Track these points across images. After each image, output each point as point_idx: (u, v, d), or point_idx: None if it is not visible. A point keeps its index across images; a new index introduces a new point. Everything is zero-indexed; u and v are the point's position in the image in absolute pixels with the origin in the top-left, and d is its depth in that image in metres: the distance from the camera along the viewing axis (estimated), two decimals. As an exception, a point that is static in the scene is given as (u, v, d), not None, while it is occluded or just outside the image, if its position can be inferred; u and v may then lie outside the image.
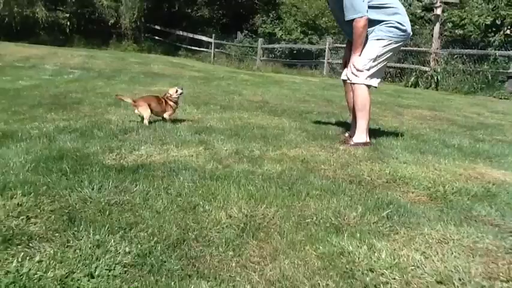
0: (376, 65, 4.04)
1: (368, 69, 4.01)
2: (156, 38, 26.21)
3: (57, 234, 1.93)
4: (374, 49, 3.99)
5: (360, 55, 4.00)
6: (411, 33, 4.18)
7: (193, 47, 24.33)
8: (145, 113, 4.35)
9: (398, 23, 3.98)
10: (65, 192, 2.39)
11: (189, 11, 27.22)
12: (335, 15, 4.44)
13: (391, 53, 4.12)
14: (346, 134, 4.42)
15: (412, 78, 13.44)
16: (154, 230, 2.00)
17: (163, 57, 20.00)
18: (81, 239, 1.89)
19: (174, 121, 4.53)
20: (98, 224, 2.03)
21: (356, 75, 4.03)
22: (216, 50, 22.73)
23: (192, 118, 4.86)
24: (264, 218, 2.20)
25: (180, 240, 1.94)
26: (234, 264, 1.77)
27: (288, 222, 2.16)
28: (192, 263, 1.77)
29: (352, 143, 4.02)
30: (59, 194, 2.38)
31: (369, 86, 4.08)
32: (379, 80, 4.20)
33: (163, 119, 4.51)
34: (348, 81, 4.16)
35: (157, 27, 26.00)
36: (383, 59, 4.07)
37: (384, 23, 3.97)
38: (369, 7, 3.87)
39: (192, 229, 2.04)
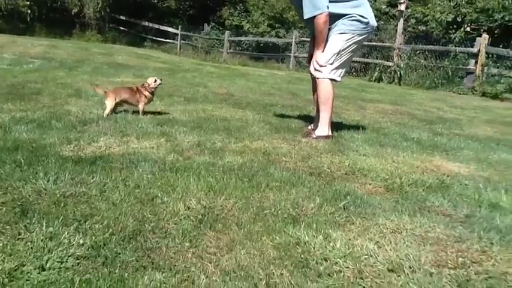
0: (340, 58, 4.07)
1: (331, 64, 4.05)
2: (121, 28, 25.67)
3: (8, 227, 1.87)
4: (337, 43, 4.02)
5: (322, 51, 4.03)
6: (375, 25, 4.20)
7: (159, 38, 23.98)
8: (109, 103, 4.30)
9: (360, 16, 4.00)
10: (19, 184, 2.33)
11: (156, 1, 26.77)
12: (297, 12, 4.45)
13: (355, 46, 4.14)
14: (309, 127, 4.46)
15: (376, 73, 13.69)
16: (110, 221, 1.97)
17: (128, 48, 19.62)
18: (33, 232, 1.84)
19: (136, 112, 4.46)
20: (52, 216, 1.99)
21: (319, 71, 4.06)
22: (183, 41, 22.50)
23: (155, 110, 4.80)
24: (222, 210, 2.20)
25: (136, 231, 1.92)
26: (190, 255, 1.77)
27: (246, 213, 2.17)
28: (148, 255, 1.75)
29: (314, 136, 4.06)
30: (12, 185, 2.31)
31: (332, 80, 4.12)
32: (343, 72, 4.23)
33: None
34: (312, 76, 4.19)
35: (123, 17, 25.45)
36: (346, 52, 4.10)
37: (346, 16, 3.99)
38: (330, 1, 3.89)
39: (149, 221, 2.03)
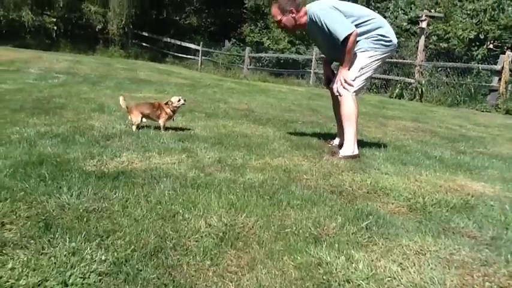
0: (362, 76, 4.09)
1: (354, 81, 4.05)
2: (144, 44, 26.16)
3: (32, 241, 1.90)
4: (360, 61, 4.04)
5: (348, 69, 4.04)
6: (396, 43, 4.23)
7: (180, 54, 24.32)
8: (135, 119, 4.40)
9: (381, 35, 4.05)
10: (43, 199, 2.36)
11: (178, 18, 27.29)
12: (318, 43, 4.58)
13: (377, 64, 4.16)
14: (332, 143, 4.46)
15: (397, 90, 13.61)
16: (132, 238, 1.98)
17: (150, 63, 19.94)
18: (56, 246, 1.86)
19: (158, 128, 4.51)
20: (75, 231, 2.01)
21: (346, 89, 4.05)
22: (204, 57, 22.75)
23: (177, 125, 4.84)
24: (243, 228, 2.19)
25: (157, 248, 1.92)
26: (211, 274, 1.76)
27: (267, 231, 2.16)
28: (169, 272, 1.75)
29: (340, 156, 3.99)
30: (37, 200, 2.34)
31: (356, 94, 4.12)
32: (364, 88, 4.25)
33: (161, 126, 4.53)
34: (337, 93, 4.16)
35: (145, 33, 25.96)
36: (369, 69, 4.11)
37: (367, 36, 4.04)
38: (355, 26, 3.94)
39: (171, 238, 2.03)
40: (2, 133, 3.88)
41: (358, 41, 4.01)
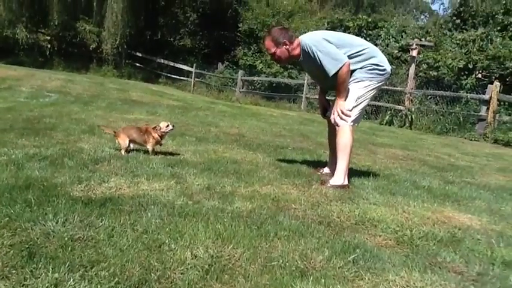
0: (359, 106, 4.12)
1: (351, 111, 4.07)
2: (137, 64, 26.31)
3: (14, 271, 1.86)
4: (355, 91, 4.07)
5: (344, 100, 4.06)
6: (390, 71, 4.27)
7: (173, 75, 24.47)
8: (123, 143, 4.40)
9: (375, 64, 4.10)
10: (28, 225, 2.33)
11: (172, 39, 27.48)
12: (312, 74, 4.65)
13: (372, 93, 4.21)
14: (322, 171, 4.49)
15: (387, 117, 13.76)
16: (116, 269, 1.95)
17: (142, 84, 20.00)
18: (38, 277, 1.83)
19: (148, 152, 4.50)
20: (59, 260, 1.98)
21: (344, 120, 4.06)
22: (196, 79, 22.90)
23: (167, 150, 4.84)
24: (230, 259, 2.17)
25: (142, 281, 1.89)
26: (195, 309, 1.74)
27: (253, 264, 2.14)
28: (152, 306, 1.73)
29: (329, 185, 3.99)
30: (21, 227, 2.31)
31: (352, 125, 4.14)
32: (360, 119, 4.31)
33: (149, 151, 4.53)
34: (334, 124, 4.16)
35: (139, 54, 26.11)
36: (365, 99, 4.16)
37: (361, 66, 4.08)
38: (348, 57, 3.99)
39: (156, 269, 2.00)
40: (-11, 154, 3.84)
41: (353, 71, 4.05)
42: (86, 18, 25.15)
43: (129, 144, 4.43)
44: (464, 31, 16.96)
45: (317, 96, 14.47)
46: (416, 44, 14.35)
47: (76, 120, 6.42)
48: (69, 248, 2.12)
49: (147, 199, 3.00)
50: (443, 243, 2.80)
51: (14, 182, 3.07)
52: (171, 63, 24.82)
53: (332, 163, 4.42)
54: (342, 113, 4.05)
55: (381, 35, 18.47)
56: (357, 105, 4.11)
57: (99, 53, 25.13)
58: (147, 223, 2.54)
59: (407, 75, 14.42)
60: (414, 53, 14.10)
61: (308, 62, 4.15)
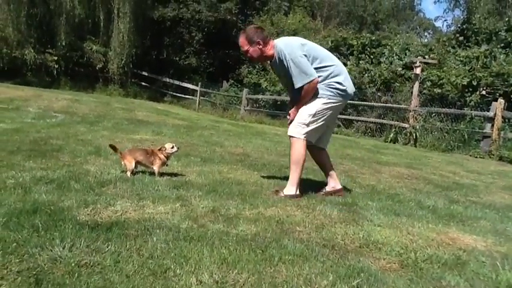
0: (315, 121, 4.25)
1: (307, 125, 4.22)
2: (143, 83, 26.56)
3: (22, 299, 1.89)
4: (314, 105, 4.22)
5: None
6: (352, 93, 4.43)
7: (179, 94, 24.68)
8: (129, 165, 4.45)
9: (338, 83, 4.24)
10: (35, 251, 2.36)
11: (177, 58, 27.76)
12: (281, 80, 4.75)
13: (330, 112, 4.31)
14: (324, 190, 4.65)
15: (392, 134, 13.78)
16: (122, 296, 1.98)
17: (148, 103, 20.15)
18: (46, 305, 1.86)
19: (154, 173, 4.55)
20: (66, 287, 2.01)
21: (296, 129, 4.24)
22: (202, 97, 23.07)
23: (172, 171, 4.88)
24: (234, 285, 2.19)
25: (147, 308, 1.92)
26: (200, 336, 1.76)
27: (258, 290, 2.16)
28: (158, 334, 1.75)
29: (282, 195, 4.20)
30: (29, 252, 2.34)
31: (307, 141, 4.30)
32: (322, 138, 4.51)
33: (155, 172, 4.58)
34: (288, 135, 4.35)
35: (145, 73, 26.38)
36: (323, 115, 4.28)
37: (324, 83, 4.21)
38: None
39: (161, 295, 2.03)
40: (-3, 178, 3.89)
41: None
42: (92, 38, 25.52)
43: (135, 166, 4.48)
44: (468, 48, 17.05)
45: None
46: (420, 62, 14.43)
47: (82, 141, 6.49)
48: (76, 274, 2.15)
49: (152, 223, 3.02)
50: (447, 266, 2.80)
51: (22, 206, 3.10)
52: (177, 82, 25.05)
53: (329, 178, 4.68)
54: (297, 122, 4.26)
55: (384, 53, 18.59)
56: (314, 120, 4.24)
57: (105, 72, 25.42)
58: (152, 248, 2.56)
59: (411, 92, 14.46)
60: (418, 70, 14.17)
61: (279, 66, 4.26)
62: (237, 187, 4.39)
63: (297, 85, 4.12)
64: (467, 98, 14.25)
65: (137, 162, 4.50)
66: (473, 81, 14.34)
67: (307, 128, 4.24)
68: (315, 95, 4.20)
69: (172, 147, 4.61)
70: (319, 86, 4.18)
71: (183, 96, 24.36)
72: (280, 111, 19.40)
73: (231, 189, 4.26)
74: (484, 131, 12.07)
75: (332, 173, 4.71)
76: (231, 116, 18.97)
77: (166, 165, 4.67)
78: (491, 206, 4.86)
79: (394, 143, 13.57)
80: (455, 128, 12.85)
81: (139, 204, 3.49)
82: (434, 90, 15.20)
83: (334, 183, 4.66)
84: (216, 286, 2.16)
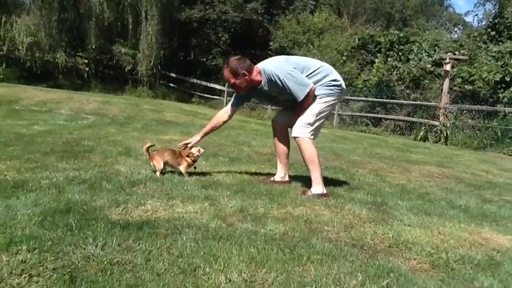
0: (318, 120, 4.37)
1: (312, 124, 4.33)
2: (171, 85, 26.86)
3: (57, 295, 1.95)
4: (316, 106, 4.34)
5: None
6: (345, 88, 4.62)
7: (206, 95, 24.85)
8: (158, 165, 4.53)
9: (333, 80, 4.40)
10: (69, 249, 2.43)
11: (204, 59, 27.95)
12: (271, 101, 4.98)
13: (330, 108, 4.51)
14: (273, 179, 4.79)
15: (422, 132, 13.56)
16: (153, 293, 2.01)
17: (176, 104, 20.37)
18: (80, 301, 1.91)
19: (181, 173, 4.61)
20: (99, 285, 2.06)
21: (301, 130, 4.33)
22: (229, 98, 23.12)
23: (200, 171, 4.93)
24: (263, 284, 2.20)
25: (178, 305, 1.95)
26: (230, 334, 1.78)
27: (286, 289, 2.17)
28: (188, 331, 1.77)
29: (311, 194, 4.23)
30: (63, 250, 2.41)
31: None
32: (318, 133, 4.57)
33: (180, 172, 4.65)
34: (294, 137, 4.43)
35: (173, 74, 26.69)
36: (325, 113, 4.46)
37: (321, 83, 4.35)
38: (306, 76, 4.33)
39: (191, 293, 2.06)
40: (33, 178, 4.01)
41: None
42: (121, 41, 25.99)
43: (164, 166, 4.54)
44: (500, 43, 16.60)
45: (349, 113, 14.55)
46: (450, 58, 14.14)
47: (113, 142, 6.62)
48: (108, 272, 2.19)
49: (182, 222, 3.06)
50: (480, 267, 2.74)
51: (56, 205, 3.19)
52: (204, 83, 25.24)
53: (281, 169, 4.82)
54: (302, 124, 4.36)
55: (413, 50, 18.29)
56: (317, 119, 4.37)
57: (134, 74, 25.84)
58: (182, 247, 2.60)
59: (442, 89, 14.19)
60: (448, 67, 13.89)
61: (270, 89, 4.38)
62: (264, 186, 4.41)
63: (300, 98, 4.26)
64: (500, 95, 13.90)
65: (165, 163, 4.56)
66: (506, 77, 13.98)
67: (312, 127, 4.35)
68: (314, 96, 4.33)
69: (199, 151, 4.70)
70: (318, 87, 4.33)
71: (210, 96, 24.54)
72: (307, 111, 19.32)
73: (259, 189, 4.27)
74: (519, 127, 11.76)
75: (287, 162, 4.87)
76: (258, 116, 19.00)
77: (195, 167, 4.73)
78: (526, 205, 4.73)
79: (424, 141, 13.34)
80: (488, 125, 12.55)
81: (169, 203, 3.54)
82: (465, 86, 14.88)
83: (285, 173, 4.86)
84: (244, 285, 2.17)
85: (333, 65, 17.71)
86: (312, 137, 4.36)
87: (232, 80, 4.37)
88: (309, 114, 4.33)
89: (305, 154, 4.37)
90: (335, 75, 4.45)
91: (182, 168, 4.61)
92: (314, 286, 2.21)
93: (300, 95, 4.25)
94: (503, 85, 14.12)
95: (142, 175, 4.48)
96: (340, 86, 4.45)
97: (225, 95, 22.94)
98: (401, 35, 19.87)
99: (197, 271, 2.29)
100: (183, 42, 28.39)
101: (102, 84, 24.67)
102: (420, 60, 17.52)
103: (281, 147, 4.88)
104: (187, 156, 4.62)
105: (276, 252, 2.61)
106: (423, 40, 18.78)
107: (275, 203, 3.78)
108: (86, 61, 25.18)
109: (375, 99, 16.72)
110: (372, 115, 16.05)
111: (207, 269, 2.32)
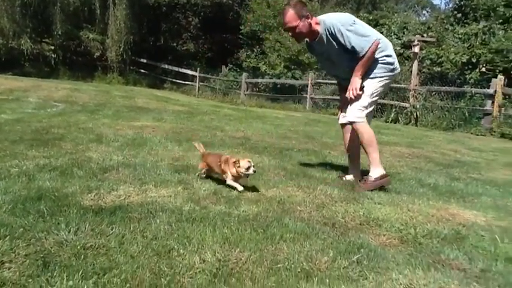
0: (373, 102, 4.19)
1: (366, 107, 4.12)
2: (142, 71, 26.44)
3: (30, 280, 1.94)
4: (370, 87, 4.09)
5: (361, 77, 4.05)
6: (399, 69, 4.32)
7: (178, 80, 24.59)
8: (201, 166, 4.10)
9: (388, 56, 4.10)
10: (41, 235, 2.41)
11: (175, 44, 27.59)
12: (327, 59, 4.36)
13: (383, 89, 4.24)
14: (345, 178, 4.44)
15: (392, 114, 13.78)
16: (128, 275, 2.02)
17: (148, 90, 20.13)
18: (54, 285, 1.91)
19: (155, 159, 4.58)
20: (73, 269, 2.05)
21: (356, 114, 4.10)
22: (201, 83, 23.01)
23: (173, 156, 4.91)
24: (237, 263, 2.24)
25: (152, 286, 1.97)
26: (204, 311, 1.81)
27: (260, 267, 2.21)
28: (164, 310, 1.80)
29: (372, 179, 4.06)
30: (35, 237, 2.39)
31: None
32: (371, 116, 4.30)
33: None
34: (349, 122, 4.20)
35: (143, 60, 26.25)
36: (377, 95, 4.21)
37: (378, 59, 4.07)
38: None
39: (165, 274, 2.07)
40: (1, 167, 3.93)
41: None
42: (89, 26, 25.35)
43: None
44: (466, 25, 16.94)
45: (322, 96, 14.43)
46: (418, 40, 14.35)
47: (84, 130, 6.52)
48: (82, 256, 2.19)
49: (155, 206, 3.07)
50: (447, 240, 2.84)
51: (27, 193, 3.15)
52: (176, 69, 24.94)
53: (353, 168, 4.51)
54: (359, 106, 4.08)
55: (382, 32, 18.36)
56: (372, 101, 4.16)
57: (103, 60, 25.32)
58: (156, 230, 2.61)
59: (411, 71, 14.42)
60: (416, 49, 14.10)
61: (327, 44, 4.09)
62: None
63: (362, 51, 3.92)
64: (467, 76, 14.23)
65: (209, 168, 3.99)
66: (472, 59, 14.31)
67: (367, 110, 4.14)
68: (367, 75, 4.08)
69: (248, 169, 3.59)
70: (372, 64, 4.06)
71: (182, 82, 24.28)
72: (280, 95, 19.38)
73: (232, 172, 4.28)
74: (485, 108, 12.07)
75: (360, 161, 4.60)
76: (232, 101, 18.94)
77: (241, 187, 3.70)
78: (492, 183, 4.90)
79: (395, 123, 13.58)
80: (456, 106, 12.84)
81: (142, 188, 3.53)
82: (434, 68, 15.17)
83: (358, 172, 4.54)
84: (218, 264, 2.21)
85: (304, 49, 17.60)
86: (366, 119, 4.13)
87: (295, 23, 4.04)
88: (364, 96, 4.06)
89: (364, 137, 4.11)
90: (391, 51, 4.15)
91: (227, 179, 3.73)
92: (287, 263, 2.26)
93: (361, 47, 3.90)
94: (470, 66, 14.47)
95: (114, 161, 4.44)
96: (393, 64, 4.15)
97: (197, 80, 22.77)
98: (371, 17, 20.07)
99: (171, 253, 2.31)
100: (153, 27, 27.94)
101: (71, 72, 24.09)
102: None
103: (350, 146, 4.56)
104: (234, 163, 3.66)
105: (249, 232, 2.65)
106: (392, 23, 19.01)
107: (248, 186, 3.80)
108: (53, 47, 24.49)
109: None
110: (344, 98, 16.19)
111: (181, 251, 2.34)
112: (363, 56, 3.95)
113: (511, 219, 3.46)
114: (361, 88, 4.07)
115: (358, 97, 4.07)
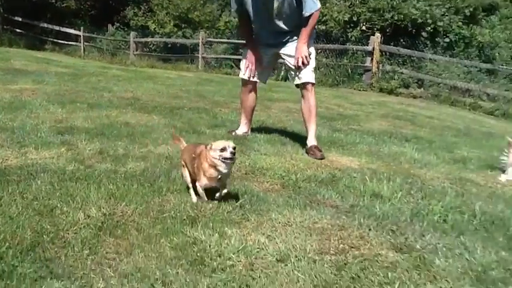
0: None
1: (315, 69, 4.22)
2: (17, 30, 24.12)
3: None
4: (312, 51, 4.16)
5: (306, 45, 4.05)
6: None
7: (60, 41, 22.83)
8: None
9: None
10: None
11: (53, 1, 25.42)
12: (263, 13, 4.11)
13: None
14: (234, 133, 4.53)
15: (282, 73, 14.18)
16: (6, 235, 1.97)
17: (26, 51, 18.50)
18: None
19: (36, 122, 4.32)
20: None
21: (312, 75, 4.15)
22: (86, 43, 21.65)
23: (56, 118, 4.67)
24: (123, 216, 2.27)
25: (34, 243, 1.94)
26: (89, 263, 1.83)
27: (146, 218, 2.26)
28: (46, 265, 1.79)
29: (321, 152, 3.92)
30: None
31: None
32: None
33: None
34: (310, 83, 4.18)
35: (19, 18, 23.93)
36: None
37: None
38: None
39: (48, 232, 2.05)
40: None
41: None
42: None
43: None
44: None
45: (214, 56, 14.14)
46: (303, -1, 14.73)
47: (-50, 94, 5.91)
48: (-47, 222, 2.07)
49: (36, 168, 2.95)
50: (323, 183, 3.11)
51: None
52: (56, 28, 23.07)
53: (245, 123, 4.63)
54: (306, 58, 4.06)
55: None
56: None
57: (-29, 19, 22.73)
58: (37, 190, 2.53)
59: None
60: (302, 8, 14.48)
61: None
62: (125, 129, 4.36)
63: (308, 12, 3.89)
64: (349, 34, 14.98)
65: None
66: (353, 17, 15.04)
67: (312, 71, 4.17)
68: (312, 38, 4.13)
69: (223, 150, 2.43)
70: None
71: (65, 43, 22.61)
72: (172, 55, 18.94)
73: (119, 132, 4.21)
74: (365, 64, 12.88)
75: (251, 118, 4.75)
76: (121, 62, 18.11)
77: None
78: (369, 132, 5.35)
79: (285, 81, 14.00)
80: (340, 63, 13.54)
81: (21, 151, 3.35)
82: (319, 27, 15.73)
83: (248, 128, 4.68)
84: (104, 218, 2.22)
85: (193, 7, 17.13)
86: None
87: None
88: (312, 59, 4.10)
89: (314, 101, 4.20)
90: None
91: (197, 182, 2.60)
92: (173, 212, 2.34)
93: (312, 7, 3.88)
94: (352, 25, 15.22)
95: (-12, 125, 4.12)
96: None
97: (82, 40, 21.39)
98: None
99: (54, 211, 2.28)
100: (27, -18, 25.46)
101: None
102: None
103: (251, 103, 4.70)
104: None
105: (136, 187, 2.68)
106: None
107: (136, 144, 3.78)
108: None
109: (238, 41, 16.94)
110: (236, 57, 16.27)
111: (65, 208, 2.31)
112: (307, 18, 3.95)
113: (381, 163, 3.85)
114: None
115: (308, 62, 4.11)
